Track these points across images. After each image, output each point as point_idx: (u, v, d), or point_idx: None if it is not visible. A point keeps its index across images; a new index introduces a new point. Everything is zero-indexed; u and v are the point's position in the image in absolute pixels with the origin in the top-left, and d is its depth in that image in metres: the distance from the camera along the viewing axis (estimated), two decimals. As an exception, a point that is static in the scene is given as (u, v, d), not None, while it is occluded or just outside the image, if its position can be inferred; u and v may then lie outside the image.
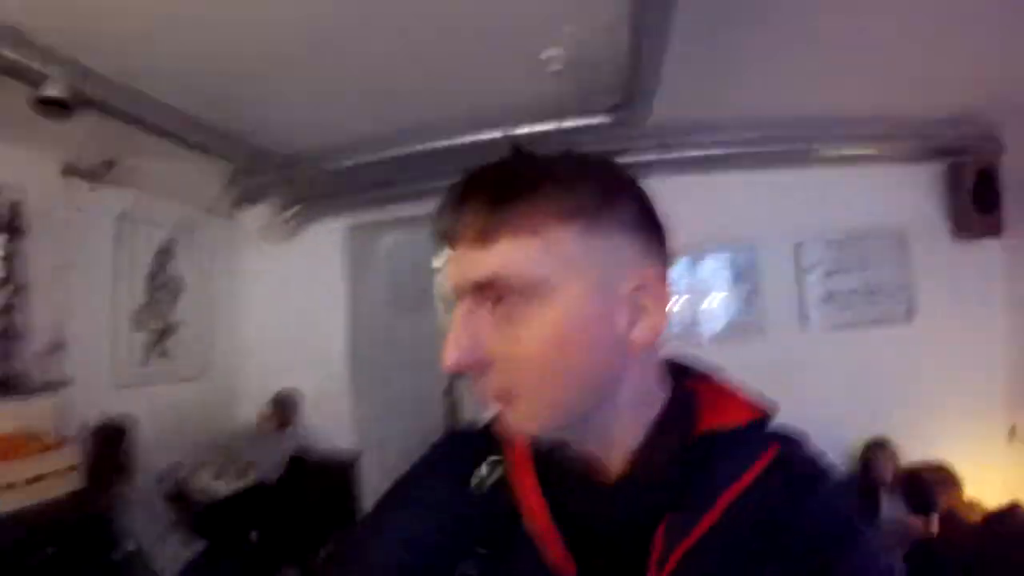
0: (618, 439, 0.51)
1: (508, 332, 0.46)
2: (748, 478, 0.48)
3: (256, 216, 3.54)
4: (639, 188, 0.51)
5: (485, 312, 0.47)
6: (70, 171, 2.60)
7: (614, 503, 0.51)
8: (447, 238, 0.49)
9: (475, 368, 0.47)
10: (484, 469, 0.57)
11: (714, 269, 3.21)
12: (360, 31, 2.00)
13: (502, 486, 0.54)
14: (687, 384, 0.55)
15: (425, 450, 0.63)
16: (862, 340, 3.07)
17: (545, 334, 0.46)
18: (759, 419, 0.52)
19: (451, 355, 0.47)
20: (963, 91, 2.64)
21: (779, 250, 3.15)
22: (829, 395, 2.87)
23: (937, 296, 3.00)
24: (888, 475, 2.68)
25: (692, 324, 3.16)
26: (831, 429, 2.57)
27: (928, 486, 2.63)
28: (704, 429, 0.51)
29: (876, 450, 2.75)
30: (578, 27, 1.94)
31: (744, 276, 3.18)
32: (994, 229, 2.87)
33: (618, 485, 0.51)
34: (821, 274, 3.10)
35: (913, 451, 2.84)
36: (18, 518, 2.12)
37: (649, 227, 0.50)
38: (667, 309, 0.49)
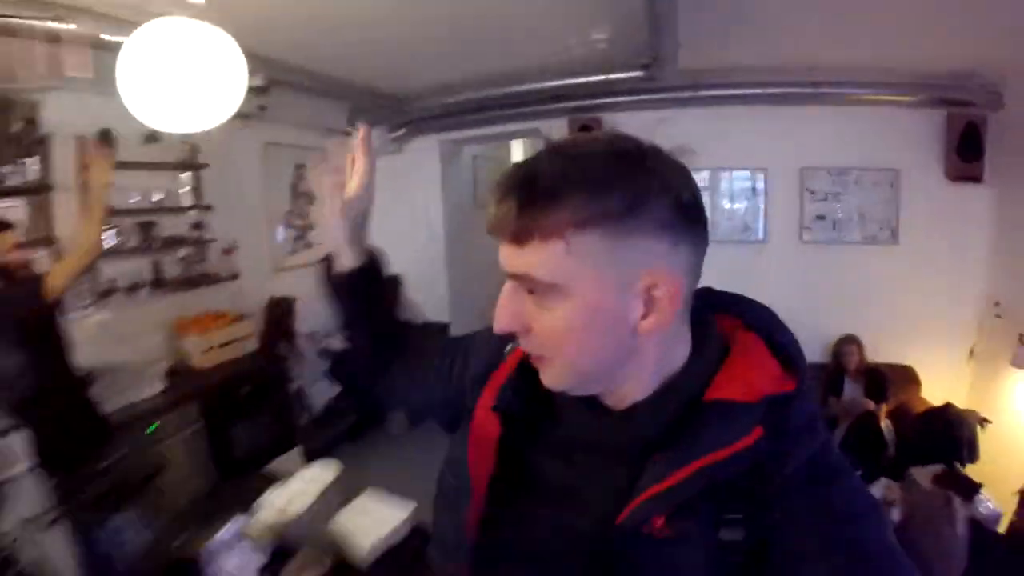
0: (629, 392, 0.58)
1: (539, 313, 0.54)
2: (722, 454, 0.52)
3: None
4: (679, 185, 0.52)
5: (524, 292, 0.55)
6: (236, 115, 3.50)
7: (599, 426, 0.60)
8: (492, 230, 0.55)
9: (517, 333, 0.57)
10: (509, 346, 0.70)
11: (732, 186, 3.92)
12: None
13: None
14: (723, 339, 0.60)
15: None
16: (850, 256, 3.71)
17: (565, 320, 0.53)
18: (768, 396, 0.54)
19: (499, 323, 0.56)
20: (966, 49, 2.99)
21: (787, 175, 3.79)
22: (817, 298, 3.59)
23: (921, 228, 3.55)
24: (853, 365, 3.38)
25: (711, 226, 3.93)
26: (815, 325, 3.43)
27: (884, 379, 3.32)
28: (711, 399, 0.55)
29: (846, 344, 3.42)
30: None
31: (756, 193, 3.88)
32: (976, 176, 3.35)
33: (612, 415, 0.59)
34: (820, 197, 3.73)
35: (885, 352, 3.50)
36: (219, 369, 3.19)
37: (679, 225, 0.52)
38: (679, 303, 0.54)
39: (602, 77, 3.28)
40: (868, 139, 3.59)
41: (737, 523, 0.52)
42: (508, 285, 0.56)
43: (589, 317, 0.53)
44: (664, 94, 3.53)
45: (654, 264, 0.52)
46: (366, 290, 0.84)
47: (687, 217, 0.53)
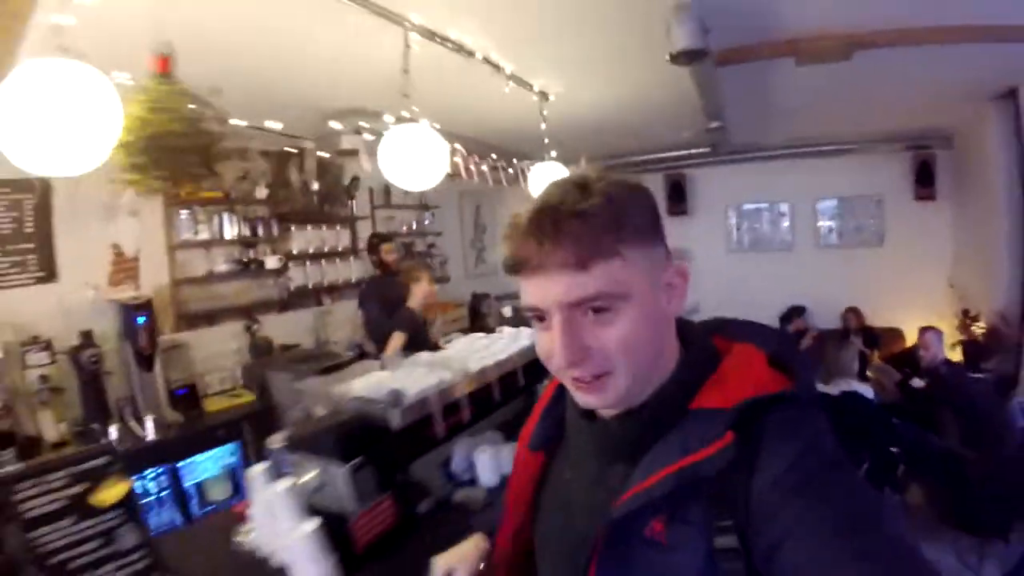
0: (628, 394, 0.63)
1: (602, 331, 0.60)
2: (694, 458, 0.57)
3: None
4: (652, 199, 0.65)
5: (581, 318, 0.60)
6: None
7: (597, 433, 0.68)
8: (531, 266, 0.60)
9: (582, 363, 0.60)
10: (540, 389, 0.88)
11: (772, 213, 5.84)
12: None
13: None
14: (715, 344, 0.68)
15: None
16: (851, 255, 5.53)
17: (633, 322, 0.60)
18: (746, 401, 0.58)
19: (566, 357, 0.60)
20: (927, 113, 4.60)
21: (805, 205, 5.69)
22: (829, 285, 5.38)
23: (898, 234, 5.33)
24: (854, 326, 5.13)
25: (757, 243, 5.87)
26: (829, 302, 5.23)
27: (876, 334, 5.05)
28: (695, 407, 0.61)
29: (850, 312, 5.19)
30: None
31: (784, 217, 5.81)
32: (931, 197, 5.11)
33: (608, 423, 0.67)
34: (828, 218, 5.60)
35: (880, 319, 5.22)
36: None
37: (661, 228, 0.64)
38: (687, 282, 0.65)
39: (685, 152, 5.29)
40: (860, 177, 5.41)
41: (729, 530, 0.55)
42: (559, 319, 0.60)
43: (646, 318, 0.60)
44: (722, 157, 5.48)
45: (666, 260, 0.64)
46: None
47: (660, 228, 0.65)
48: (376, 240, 3.74)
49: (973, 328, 4.39)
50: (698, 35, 2.12)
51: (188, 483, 2.93)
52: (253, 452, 3.12)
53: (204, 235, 3.67)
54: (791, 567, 0.51)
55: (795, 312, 5.35)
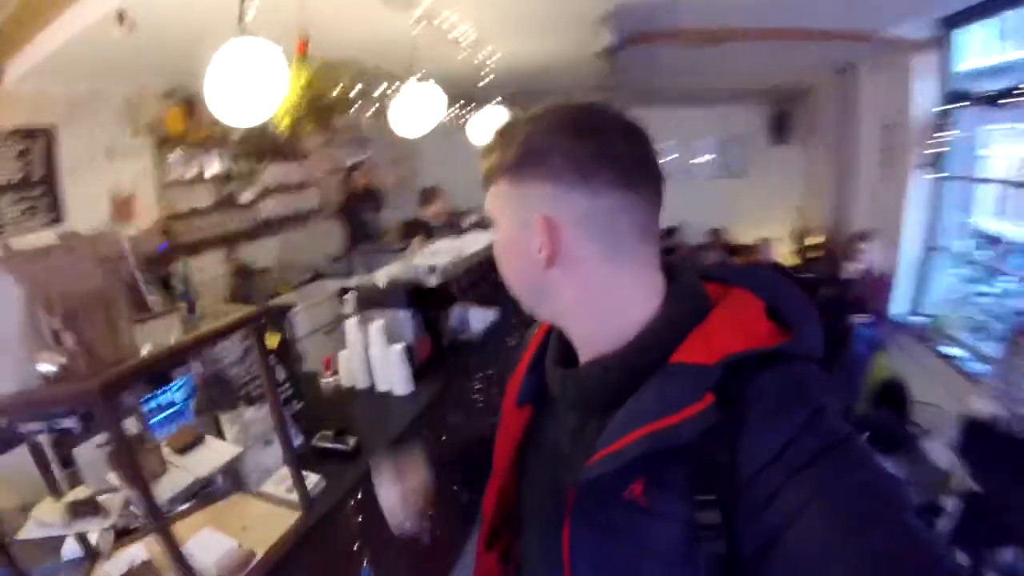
0: (590, 340, 0.63)
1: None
2: (667, 422, 0.51)
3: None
4: (580, 141, 0.57)
5: None
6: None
7: (569, 379, 0.65)
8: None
9: None
10: (530, 329, 0.81)
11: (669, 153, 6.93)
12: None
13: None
14: (707, 290, 0.62)
15: None
16: (722, 184, 6.81)
17: (501, 252, 0.66)
18: (729, 356, 0.53)
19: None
20: (785, 72, 5.86)
21: (684, 145, 6.83)
22: (701, 210, 6.58)
23: (760, 167, 6.65)
24: (720, 241, 6.48)
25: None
26: (700, 222, 6.55)
27: (734, 247, 6.41)
28: (675, 361, 0.55)
29: (715, 232, 6.55)
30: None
31: (665, 154, 6.92)
32: (786, 141, 6.42)
33: (579, 371, 0.64)
34: (701, 156, 6.80)
35: (744, 236, 6.59)
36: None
37: (570, 177, 0.57)
38: (565, 240, 0.59)
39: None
40: (731, 123, 6.60)
41: (711, 504, 0.50)
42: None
43: (516, 254, 0.63)
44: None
45: (548, 207, 0.58)
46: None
47: (578, 169, 0.56)
48: (352, 169, 4.54)
49: (806, 241, 5.82)
50: (615, 37, 3.00)
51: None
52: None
53: (191, 174, 4.16)
54: (793, 562, 0.45)
55: (668, 232, 6.57)
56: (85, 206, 3.62)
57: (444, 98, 3.08)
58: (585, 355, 0.65)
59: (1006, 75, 3.18)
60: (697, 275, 0.65)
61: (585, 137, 0.58)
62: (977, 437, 2.46)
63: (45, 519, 1.39)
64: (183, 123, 4.06)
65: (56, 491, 1.44)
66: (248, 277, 4.44)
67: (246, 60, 1.78)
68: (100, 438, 1.51)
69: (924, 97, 3.82)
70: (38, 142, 3.42)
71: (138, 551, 1.64)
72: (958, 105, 3.55)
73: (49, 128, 3.44)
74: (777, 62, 4.75)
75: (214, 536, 1.63)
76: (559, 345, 0.69)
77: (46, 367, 1.14)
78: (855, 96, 4.82)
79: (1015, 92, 2.92)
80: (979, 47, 3.56)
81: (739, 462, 0.50)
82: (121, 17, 2.09)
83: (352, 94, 3.06)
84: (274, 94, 1.91)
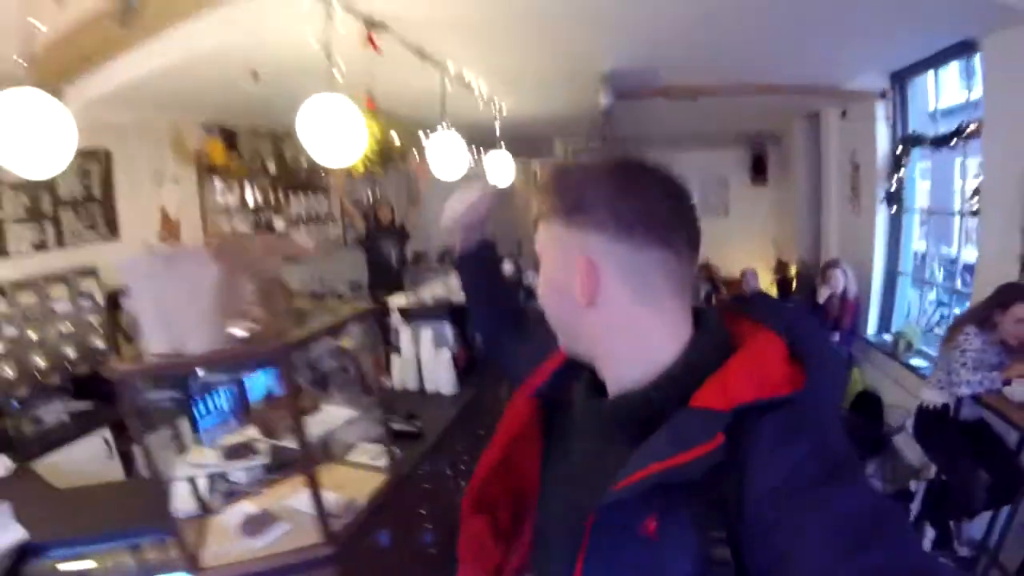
0: (617, 377, 0.67)
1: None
2: (680, 459, 0.53)
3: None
4: (629, 200, 0.64)
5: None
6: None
7: (594, 409, 0.69)
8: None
9: None
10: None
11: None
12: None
13: None
14: (731, 330, 0.66)
15: None
16: (703, 224, 7.30)
17: (545, 291, 0.70)
18: (741, 406, 0.55)
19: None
20: (761, 120, 6.54)
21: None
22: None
23: (733, 207, 7.24)
24: (703, 276, 6.99)
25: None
26: None
27: (720, 281, 6.94)
28: (693, 405, 0.58)
29: (706, 267, 7.01)
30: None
31: None
32: (764, 181, 7.05)
33: (604, 402, 0.68)
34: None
35: (728, 272, 7.12)
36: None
37: (618, 228, 0.63)
38: (603, 284, 0.64)
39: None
40: (712, 165, 7.22)
41: (722, 542, 0.53)
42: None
43: (558, 291, 0.68)
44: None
45: (589, 252, 0.64)
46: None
47: (626, 228, 0.62)
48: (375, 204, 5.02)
49: (785, 270, 6.36)
50: (609, 95, 3.53)
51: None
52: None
53: (231, 200, 4.54)
54: None
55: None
56: (137, 224, 3.97)
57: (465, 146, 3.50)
58: (612, 390, 0.68)
59: (954, 117, 3.74)
60: (724, 312, 0.70)
61: (630, 195, 0.64)
62: (927, 422, 2.89)
63: (199, 461, 1.73)
64: (223, 155, 4.45)
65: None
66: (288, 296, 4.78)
67: (336, 112, 2.10)
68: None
69: (883, 139, 4.40)
70: (97, 164, 3.77)
71: (247, 506, 1.97)
72: (913, 145, 4.11)
73: (106, 151, 3.80)
74: (752, 111, 5.42)
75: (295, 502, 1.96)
76: (593, 377, 0.71)
77: (239, 331, 1.51)
78: (823, 139, 5.43)
79: (960, 132, 3.46)
80: (930, 94, 4.15)
81: (745, 498, 0.52)
82: (255, 75, 2.52)
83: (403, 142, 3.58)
84: (360, 142, 2.21)
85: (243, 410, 1.94)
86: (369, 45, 2.48)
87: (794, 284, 6.08)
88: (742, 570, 0.52)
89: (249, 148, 4.73)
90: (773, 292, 6.13)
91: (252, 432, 1.77)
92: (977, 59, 3.29)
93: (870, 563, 0.44)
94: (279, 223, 4.93)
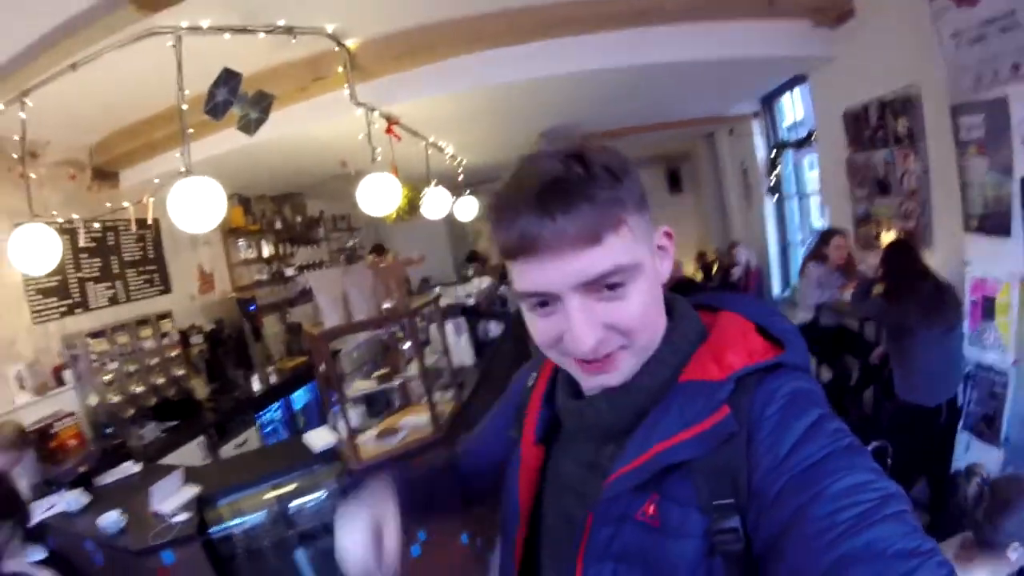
0: (627, 368, 0.61)
1: (616, 307, 0.55)
2: (684, 435, 0.54)
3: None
4: (638, 180, 0.60)
5: (596, 296, 0.55)
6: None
7: (582, 415, 0.64)
8: (540, 245, 0.53)
9: (601, 341, 0.56)
10: (530, 380, 0.78)
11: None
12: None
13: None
14: (702, 323, 0.64)
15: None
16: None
17: (643, 294, 0.57)
18: (738, 372, 0.56)
19: (588, 343, 0.55)
20: (675, 140, 7.98)
21: None
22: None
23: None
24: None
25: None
26: None
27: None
28: (685, 380, 0.58)
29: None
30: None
31: None
32: (680, 191, 8.49)
33: (595, 399, 0.62)
34: None
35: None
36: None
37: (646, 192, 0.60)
38: (673, 242, 0.64)
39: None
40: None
41: (729, 509, 0.52)
42: (574, 303, 0.55)
43: (653, 287, 0.58)
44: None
45: (655, 225, 0.61)
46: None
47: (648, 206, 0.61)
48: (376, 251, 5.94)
49: (705, 259, 7.71)
50: (546, 143, 4.77)
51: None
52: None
53: (250, 255, 5.41)
54: (792, 558, 0.47)
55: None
56: (183, 278, 4.79)
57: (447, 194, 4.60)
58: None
59: (805, 126, 5.11)
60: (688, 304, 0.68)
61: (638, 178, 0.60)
62: (806, 335, 4.08)
63: (364, 387, 2.72)
64: (242, 218, 5.36)
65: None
66: (297, 333, 5.62)
67: (382, 182, 3.03)
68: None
69: (761, 147, 5.80)
70: (150, 231, 4.58)
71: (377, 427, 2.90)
72: (782, 148, 5.50)
73: (156, 220, 4.62)
74: (665, 138, 6.88)
75: (408, 419, 2.90)
76: (571, 379, 0.66)
77: (387, 306, 2.53)
78: (719, 153, 6.88)
79: (810, 137, 4.82)
80: (790, 110, 5.53)
81: (752, 466, 0.52)
82: (344, 164, 3.55)
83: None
84: (395, 199, 3.16)
85: (382, 356, 2.96)
86: (391, 134, 3.53)
87: (714, 269, 7.41)
88: (747, 540, 0.51)
89: (259, 211, 5.64)
90: (698, 277, 7.40)
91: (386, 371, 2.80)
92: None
93: (871, 537, 0.44)
94: (289, 271, 5.81)
